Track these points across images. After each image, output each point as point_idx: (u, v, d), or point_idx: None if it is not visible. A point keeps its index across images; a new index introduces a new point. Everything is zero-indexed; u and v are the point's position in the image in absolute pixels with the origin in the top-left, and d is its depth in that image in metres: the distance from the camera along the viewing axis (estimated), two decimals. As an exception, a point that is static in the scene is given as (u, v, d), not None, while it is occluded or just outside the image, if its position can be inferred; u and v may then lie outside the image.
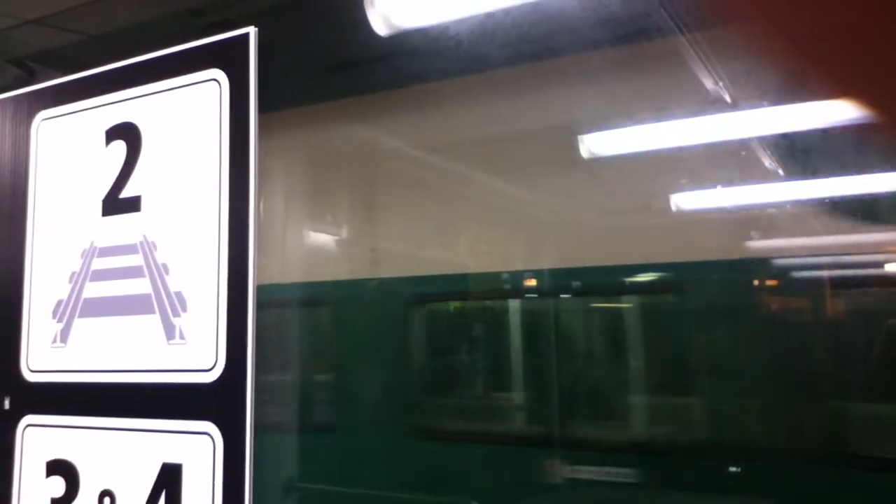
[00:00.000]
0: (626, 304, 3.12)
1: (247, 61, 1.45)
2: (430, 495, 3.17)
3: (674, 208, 2.95)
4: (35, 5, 2.71)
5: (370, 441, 3.43)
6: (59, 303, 1.61)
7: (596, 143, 3.11)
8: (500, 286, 3.33)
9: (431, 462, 3.32)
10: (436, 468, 3.29)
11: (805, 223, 2.81)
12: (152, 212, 1.52)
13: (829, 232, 2.71)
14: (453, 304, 3.60)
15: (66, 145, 1.66)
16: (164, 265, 1.49)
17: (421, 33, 2.49)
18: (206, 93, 1.49)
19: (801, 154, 2.71)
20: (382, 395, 3.52)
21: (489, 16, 2.41)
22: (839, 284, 2.69)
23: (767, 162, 2.76)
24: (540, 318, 3.27)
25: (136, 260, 1.52)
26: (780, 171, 2.77)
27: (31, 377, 1.64)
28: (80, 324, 1.58)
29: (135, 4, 2.67)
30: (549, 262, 3.18)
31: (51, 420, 1.59)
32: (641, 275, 2.99)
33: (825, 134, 2.62)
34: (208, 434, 1.40)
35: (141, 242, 1.52)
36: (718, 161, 2.81)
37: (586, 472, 2.93)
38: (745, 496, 2.60)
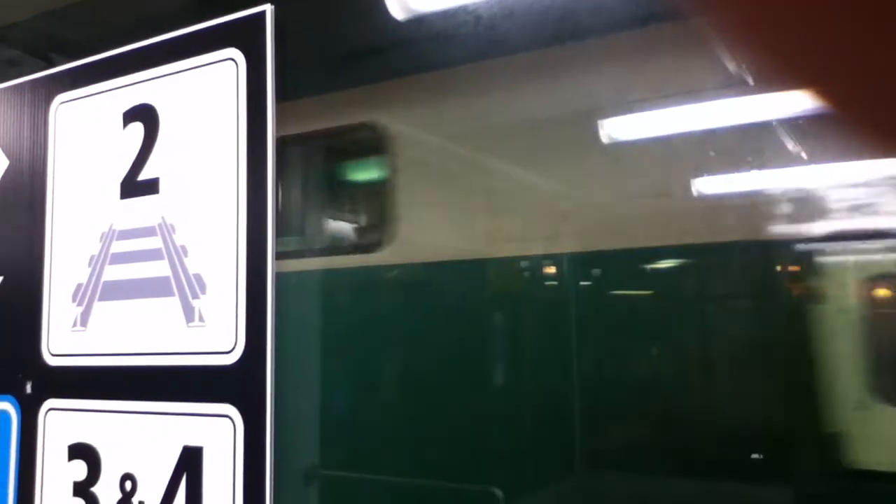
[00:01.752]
0: None
1: (263, 40, 1.43)
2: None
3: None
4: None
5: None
6: (79, 286, 1.61)
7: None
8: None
9: None
10: None
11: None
12: (170, 194, 1.51)
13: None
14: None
15: (84, 128, 1.66)
16: (183, 247, 1.47)
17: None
18: (223, 72, 1.47)
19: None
20: None
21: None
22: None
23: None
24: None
25: (154, 242, 1.51)
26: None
27: (52, 361, 1.64)
28: (99, 307, 1.57)
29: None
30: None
31: (72, 404, 1.59)
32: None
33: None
34: (229, 417, 1.38)
35: (160, 225, 1.51)
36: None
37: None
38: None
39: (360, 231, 3.24)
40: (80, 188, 1.64)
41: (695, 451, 2.43)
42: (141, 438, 1.48)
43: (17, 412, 1.67)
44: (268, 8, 1.44)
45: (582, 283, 2.65)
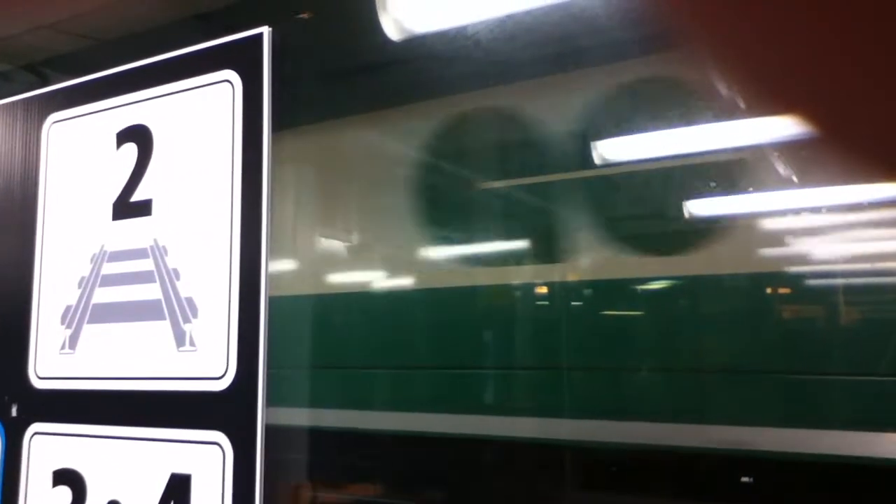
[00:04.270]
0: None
1: (260, 62, 1.42)
2: None
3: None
4: (48, 10, 2.70)
5: None
6: (68, 308, 1.58)
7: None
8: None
9: None
10: None
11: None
12: (163, 216, 1.49)
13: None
14: None
15: (77, 148, 1.64)
16: (175, 270, 1.45)
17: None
18: (219, 94, 1.46)
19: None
20: None
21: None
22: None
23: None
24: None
25: (146, 265, 1.49)
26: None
27: (38, 384, 1.61)
28: (88, 330, 1.55)
29: (148, 8, 2.66)
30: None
31: (58, 428, 1.56)
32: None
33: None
34: (218, 444, 1.36)
35: (151, 247, 1.49)
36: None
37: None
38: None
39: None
40: (72, 209, 1.62)
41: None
42: (128, 465, 1.45)
43: (1, 436, 1.64)
44: (265, 30, 1.43)
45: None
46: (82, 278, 1.57)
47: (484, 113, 2.83)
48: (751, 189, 2.40)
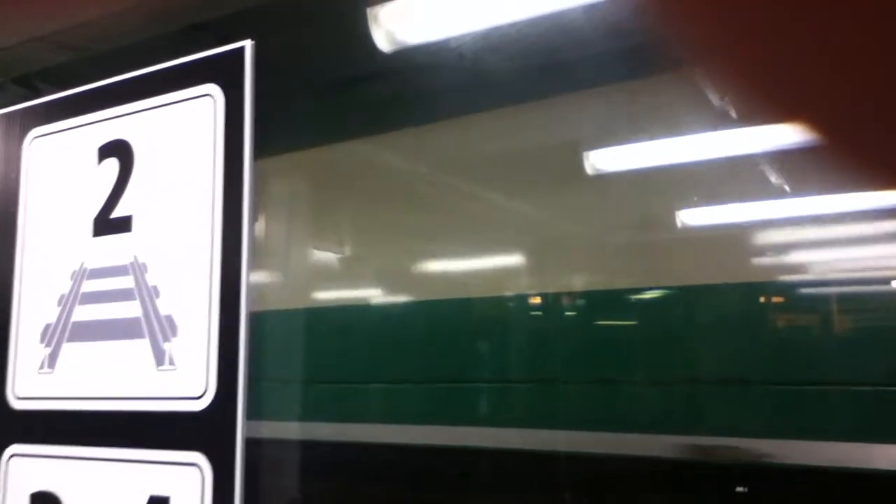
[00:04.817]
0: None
1: (242, 76, 1.40)
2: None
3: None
4: (39, 23, 2.69)
5: None
6: (48, 327, 1.55)
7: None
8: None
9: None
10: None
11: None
12: (144, 232, 1.46)
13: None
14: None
15: (58, 163, 1.61)
16: (155, 288, 1.43)
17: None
18: (201, 109, 1.43)
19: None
20: None
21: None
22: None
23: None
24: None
25: (126, 282, 1.46)
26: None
27: (17, 405, 1.58)
28: (68, 349, 1.52)
29: (140, 21, 2.64)
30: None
31: (37, 450, 1.52)
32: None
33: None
34: (197, 465, 1.33)
35: (132, 264, 1.46)
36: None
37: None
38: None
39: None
40: (53, 225, 1.59)
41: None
42: (106, 487, 1.42)
43: (-22, 458, 1.61)
44: (247, 43, 1.41)
45: None
46: (62, 296, 1.54)
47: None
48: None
